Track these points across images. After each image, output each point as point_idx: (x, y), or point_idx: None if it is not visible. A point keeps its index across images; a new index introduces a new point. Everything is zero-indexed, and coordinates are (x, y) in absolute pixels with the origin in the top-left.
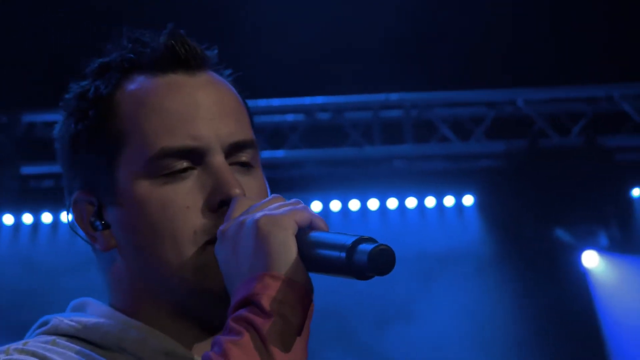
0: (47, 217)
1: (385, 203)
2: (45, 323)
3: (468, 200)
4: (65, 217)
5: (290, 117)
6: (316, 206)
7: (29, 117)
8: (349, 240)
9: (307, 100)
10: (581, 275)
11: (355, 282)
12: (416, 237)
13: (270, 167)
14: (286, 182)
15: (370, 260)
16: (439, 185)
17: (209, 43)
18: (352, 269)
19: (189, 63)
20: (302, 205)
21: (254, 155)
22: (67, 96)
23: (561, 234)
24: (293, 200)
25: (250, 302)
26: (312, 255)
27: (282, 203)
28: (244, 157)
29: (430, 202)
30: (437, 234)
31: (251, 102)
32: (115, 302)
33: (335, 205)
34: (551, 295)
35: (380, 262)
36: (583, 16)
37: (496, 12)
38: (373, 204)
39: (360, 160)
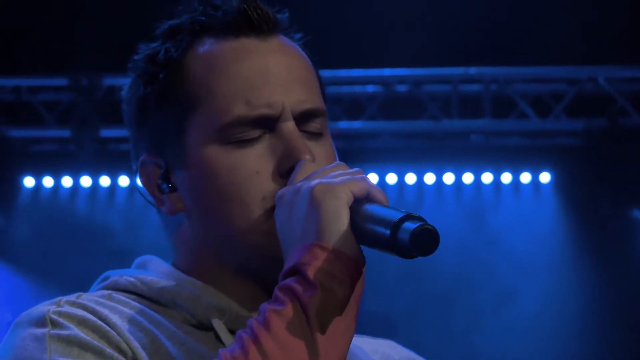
0: (124, 180)
1: (461, 178)
2: (107, 278)
3: (545, 177)
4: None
5: (369, 88)
6: (391, 178)
7: (109, 80)
8: (396, 216)
9: (386, 72)
10: None
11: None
12: (491, 213)
13: (347, 138)
14: (362, 153)
15: (412, 239)
16: (516, 161)
17: (291, 12)
18: (395, 247)
19: (261, 27)
20: (361, 175)
21: (323, 123)
22: (136, 57)
23: (638, 214)
24: (354, 169)
25: (297, 271)
26: (362, 228)
27: (342, 172)
28: (314, 126)
29: (506, 178)
30: (512, 210)
31: (331, 72)
32: (179, 262)
33: (410, 178)
34: (626, 275)
35: (422, 241)
36: None
37: None
38: (448, 178)
39: (437, 133)
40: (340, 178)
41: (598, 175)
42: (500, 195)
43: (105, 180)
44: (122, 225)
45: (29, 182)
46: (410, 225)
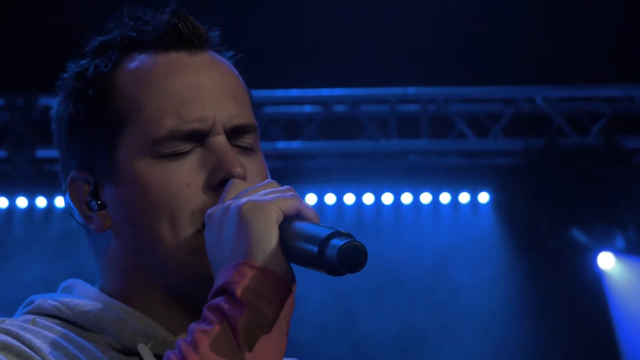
0: (61, 201)
1: (399, 198)
2: (31, 303)
3: (483, 197)
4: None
5: (307, 108)
6: (330, 199)
7: (45, 100)
8: (323, 233)
9: (324, 92)
10: (596, 277)
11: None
12: (430, 233)
13: (285, 158)
14: (300, 173)
15: (340, 256)
16: (455, 181)
17: (228, 33)
18: (323, 264)
19: (192, 42)
20: (291, 192)
21: (255, 139)
22: (65, 75)
23: (577, 234)
24: (285, 187)
25: (225, 290)
26: (291, 245)
27: (271, 190)
28: (245, 141)
29: (445, 198)
30: (451, 230)
31: (268, 92)
32: (106, 284)
33: (349, 199)
34: (566, 296)
35: (350, 258)
36: (604, 16)
37: (517, 9)
38: (387, 198)
39: (375, 153)
40: (270, 196)
41: (536, 195)
42: (439, 215)
43: (41, 201)
44: (58, 246)
45: None
46: (337, 242)
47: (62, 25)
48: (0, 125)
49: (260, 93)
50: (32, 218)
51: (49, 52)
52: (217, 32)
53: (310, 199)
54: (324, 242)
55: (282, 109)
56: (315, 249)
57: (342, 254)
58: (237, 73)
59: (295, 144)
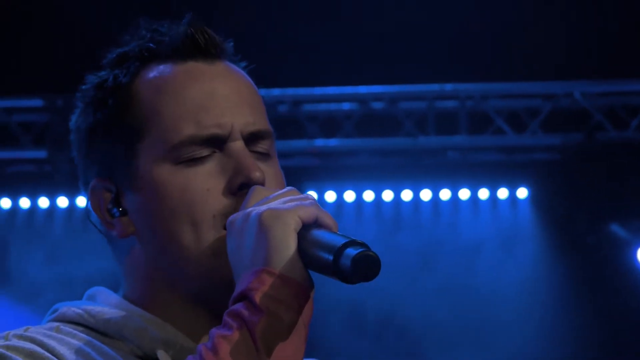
0: None
1: (438, 194)
2: (55, 311)
3: (522, 193)
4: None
5: (345, 106)
6: (368, 196)
7: None
8: (339, 242)
9: (362, 89)
10: (636, 272)
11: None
12: (468, 229)
13: (323, 156)
14: (339, 170)
15: (353, 265)
16: (493, 177)
17: (268, 33)
18: (337, 272)
19: (208, 51)
20: (310, 200)
21: (271, 145)
22: (84, 87)
23: (616, 229)
24: (304, 194)
25: (245, 296)
26: (309, 253)
27: (291, 197)
28: (261, 147)
29: (483, 194)
30: (490, 226)
31: (307, 90)
32: (129, 291)
33: (387, 195)
34: (605, 291)
35: (363, 267)
36: None
37: (555, 3)
38: (426, 194)
39: (413, 150)
40: (289, 204)
41: (575, 190)
42: (477, 211)
43: (82, 201)
44: (100, 245)
45: (5, 203)
46: (351, 252)
47: (101, 26)
48: (40, 126)
49: (298, 91)
50: (73, 218)
51: (88, 53)
52: (232, 44)
53: (349, 196)
54: (339, 251)
55: (320, 107)
56: (331, 257)
57: (355, 263)
58: (251, 82)
59: (333, 142)
